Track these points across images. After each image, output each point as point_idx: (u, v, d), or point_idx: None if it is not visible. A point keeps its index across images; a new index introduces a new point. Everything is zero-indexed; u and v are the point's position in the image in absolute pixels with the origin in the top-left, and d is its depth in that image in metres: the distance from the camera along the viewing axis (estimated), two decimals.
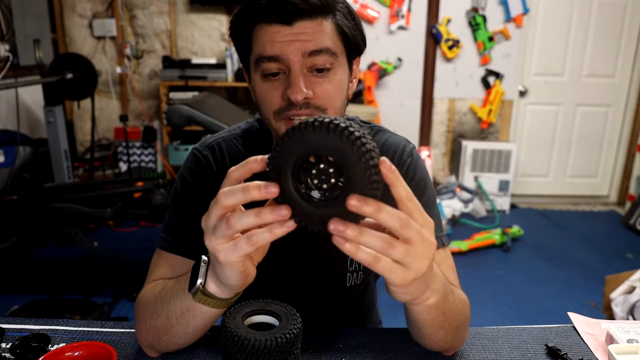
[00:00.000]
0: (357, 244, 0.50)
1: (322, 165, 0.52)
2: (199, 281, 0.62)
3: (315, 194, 0.53)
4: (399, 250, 0.51)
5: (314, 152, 0.52)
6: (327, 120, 0.50)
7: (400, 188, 0.51)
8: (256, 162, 0.54)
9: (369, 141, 0.51)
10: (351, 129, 0.50)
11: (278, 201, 0.53)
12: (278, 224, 0.52)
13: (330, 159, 0.52)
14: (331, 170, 0.52)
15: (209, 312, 0.65)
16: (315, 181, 0.53)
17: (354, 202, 0.48)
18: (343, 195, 0.51)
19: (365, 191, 0.50)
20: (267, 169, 0.53)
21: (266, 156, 0.53)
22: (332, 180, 0.52)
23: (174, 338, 0.70)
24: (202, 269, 0.62)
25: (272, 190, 0.51)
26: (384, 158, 0.50)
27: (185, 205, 0.85)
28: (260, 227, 0.53)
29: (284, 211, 0.51)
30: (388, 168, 0.49)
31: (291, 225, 0.52)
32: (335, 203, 0.52)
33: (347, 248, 0.50)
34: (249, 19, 0.75)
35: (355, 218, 0.52)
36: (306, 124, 0.50)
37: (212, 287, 0.62)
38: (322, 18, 0.73)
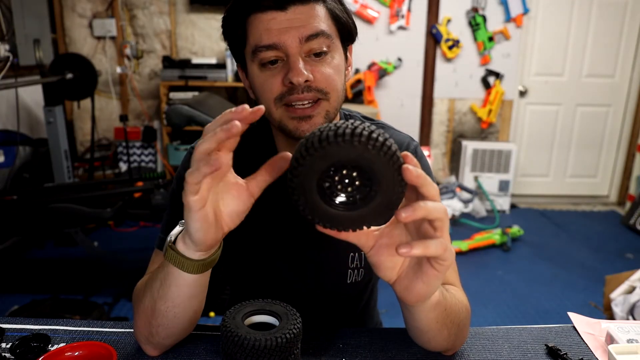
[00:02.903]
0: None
1: (345, 171, 0.53)
2: (169, 237, 0.65)
3: (341, 197, 0.54)
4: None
5: (339, 165, 0.52)
6: (348, 131, 0.49)
7: (430, 187, 0.54)
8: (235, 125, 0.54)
9: (391, 142, 0.51)
10: (374, 136, 0.50)
11: (305, 214, 0.54)
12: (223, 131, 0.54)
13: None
14: (354, 173, 0.53)
15: (181, 279, 0.66)
16: (340, 186, 0.53)
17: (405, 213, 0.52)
18: (372, 195, 0.52)
19: (397, 190, 0.52)
20: (289, 186, 0.53)
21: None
22: (357, 183, 0.53)
23: (159, 319, 0.70)
24: (177, 229, 0.66)
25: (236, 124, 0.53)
26: (407, 166, 0.51)
27: (182, 205, 0.84)
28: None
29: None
30: (415, 175, 0.52)
31: (239, 127, 0.54)
32: (363, 203, 0.53)
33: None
34: (243, 10, 0.76)
35: (387, 213, 0.54)
36: (327, 139, 0.50)
37: (180, 245, 0.64)
38: (314, 2, 0.75)
